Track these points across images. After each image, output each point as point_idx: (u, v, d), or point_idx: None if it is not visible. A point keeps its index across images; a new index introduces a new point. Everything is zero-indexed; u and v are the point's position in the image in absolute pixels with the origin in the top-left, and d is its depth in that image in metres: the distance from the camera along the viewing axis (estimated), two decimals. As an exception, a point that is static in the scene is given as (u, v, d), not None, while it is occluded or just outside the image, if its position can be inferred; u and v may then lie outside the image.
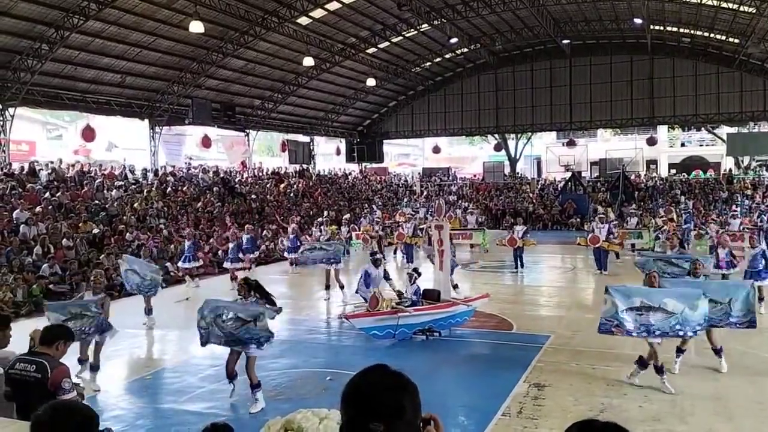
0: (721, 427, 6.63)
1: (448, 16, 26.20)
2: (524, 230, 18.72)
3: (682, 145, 46.20)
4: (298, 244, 19.83)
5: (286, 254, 20.25)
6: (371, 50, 29.26)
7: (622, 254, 20.03)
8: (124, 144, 34.68)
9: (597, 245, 17.49)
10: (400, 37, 29.00)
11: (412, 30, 28.42)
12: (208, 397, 7.87)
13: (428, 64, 34.10)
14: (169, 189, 23.87)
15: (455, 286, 12.87)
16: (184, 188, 24.66)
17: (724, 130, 36.36)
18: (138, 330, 11.50)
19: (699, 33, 28.54)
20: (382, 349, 9.87)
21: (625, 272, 18.47)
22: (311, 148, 37.48)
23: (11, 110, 20.54)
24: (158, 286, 12.02)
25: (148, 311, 11.95)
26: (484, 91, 36.19)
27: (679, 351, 8.39)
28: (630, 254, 21.11)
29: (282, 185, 30.74)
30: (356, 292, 11.78)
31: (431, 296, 10.83)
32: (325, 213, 25.28)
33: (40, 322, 4.51)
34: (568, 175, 34.60)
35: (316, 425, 2.21)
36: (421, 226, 22.23)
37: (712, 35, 28.24)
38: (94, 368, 8.34)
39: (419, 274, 10.98)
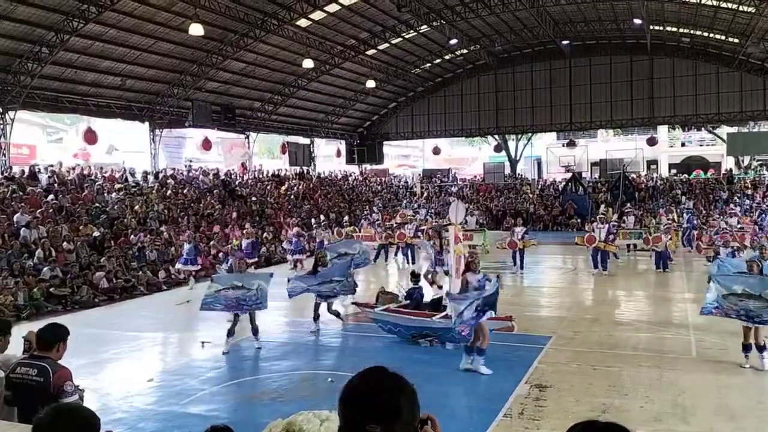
0: (722, 426, 6.63)
1: (447, 18, 26.21)
2: (523, 231, 18.71)
3: (683, 145, 46.18)
4: (301, 246, 19.89)
5: (288, 256, 20.30)
6: (371, 52, 29.28)
7: (620, 254, 20.04)
8: (125, 147, 34.72)
9: (593, 245, 17.49)
10: (400, 39, 29.02)
11: (411, 31, 28.43)
12: (210, 400, 7.87)
13: (428, 65, 34.11)
14: (169, 192, 23.88)
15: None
16: (185, 191, 24.67)
17: (725, 130, 36.33)
18: (139, 333, 11.50)
19: (698, 33, 28.53)
20: (383, 351, 9.87)
21: (627, 272, 18.51)
22: (311, 149, 37.51)
23: (12, 113, 20.54)
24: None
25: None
26: (484, 92, 36.19)
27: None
28: (631, 254, 21.15)
29: (282, 187, 30.76)
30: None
31: (433, 304, 10.71)
32: (322, 216, 25.22)
33: (40, 326, 4.51)
34: (569, 175, 34.61)
35: (317, 427, 2.21)
36: (422, 227, 22.28)
37: (711, 35, 28.23)
38: (255, 331, 10.23)
39: (417, 278, 11.00)
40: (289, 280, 11.24)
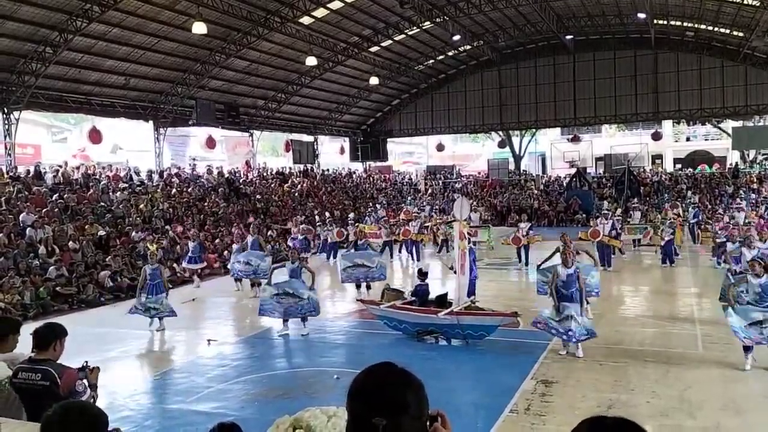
0: (728, 421, 6.61)
1: (450, 14, 26.15)
2: (528, 227, 18.68)
3: (687, 139, 46.02)
4: (306, 245, 19.85)
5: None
6: (374, 49, 29.24)
7: (626, 249, 19.96)
8: (129, 146, 34.77)
9: (597, 239, 17.44)
10: (403, 35, 28.97)
11: (414, 28, 28.37)
12: (216, 397, 7.89)
13: (431, 61, 34.05)
14: (174, 190, 23.93)
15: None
16: (189, 189, 24.71)
17: (730, 124, 36.20)
18: (145, 331, 11.53)
19: (703, 27, 28.40)
20: (389, 348, 9.88)
21: (633, 267, 18.47)
22: (315, 147, 37.50)
23: (16, 114, 20.60)
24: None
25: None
26: (488, 88, 36.12)
27: None
28: (634, 250, 21.07)
29: (286, 185, 30.78)
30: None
31: (438, 300, 10.68)
32: (327, 213, 25.16)
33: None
34: (573, 171, 34.54)
35: (324, 423, 2.22)
36: (427, 224, 22.26)
37: (716, 29, 28.10)
38: (304, 319, 11.00)
39: (424, 275, 11.01)
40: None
